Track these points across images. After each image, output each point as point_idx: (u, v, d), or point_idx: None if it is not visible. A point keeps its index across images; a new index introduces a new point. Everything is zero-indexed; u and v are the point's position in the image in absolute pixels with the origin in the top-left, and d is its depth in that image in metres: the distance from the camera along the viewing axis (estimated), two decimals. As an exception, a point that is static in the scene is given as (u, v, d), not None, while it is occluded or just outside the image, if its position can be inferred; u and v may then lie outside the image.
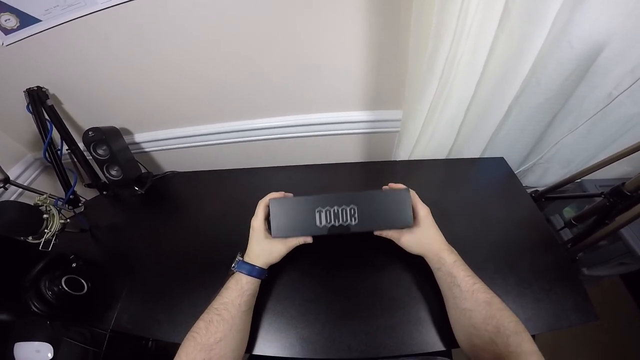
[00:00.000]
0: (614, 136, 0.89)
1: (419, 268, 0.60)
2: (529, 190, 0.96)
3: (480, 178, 0.89)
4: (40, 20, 0.70)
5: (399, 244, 0.58)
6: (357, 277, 0.65)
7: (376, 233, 0.59)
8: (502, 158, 0.90)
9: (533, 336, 0.55)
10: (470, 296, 0.47)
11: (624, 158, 0.76)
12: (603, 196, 0.75)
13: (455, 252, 0.55)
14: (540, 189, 0.98)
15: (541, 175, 1.04)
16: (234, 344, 0.50)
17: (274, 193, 0.61)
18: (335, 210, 0.56)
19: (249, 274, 0.55)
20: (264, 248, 0.58)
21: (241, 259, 0.58)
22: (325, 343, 0.56)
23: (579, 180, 0.96)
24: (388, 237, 0.59)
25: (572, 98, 0.80)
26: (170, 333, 0.62)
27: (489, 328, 0.43)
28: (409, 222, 0.56)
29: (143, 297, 0.69)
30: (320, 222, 0.56)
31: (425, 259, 0.57)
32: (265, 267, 0.57)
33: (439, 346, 0.54)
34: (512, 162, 0.90)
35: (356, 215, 0.56)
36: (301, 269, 0.66)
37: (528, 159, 1.02)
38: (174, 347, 0.58)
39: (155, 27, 0.71)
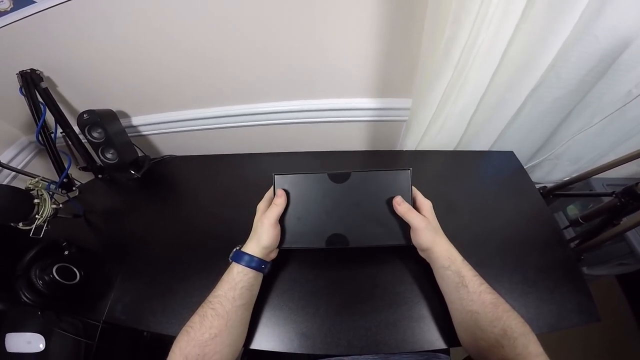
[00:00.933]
0: (628, 135, 0.87)
1: (421, 264, 0.59)
2: (536, 187, 0.95)
3: (488, 172, 0.87)
4: (35, 2, 0.68)
5: (415, 228, 0.53)
6: (358, 271, 0.64)
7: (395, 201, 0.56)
8: (512, 152, 0.88)
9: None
10: (477, 298, 0.45)
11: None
12: (614, 195, 0.74)
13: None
14: (547, 185, 0.96)
15: (549, 171, 1.02)
16: (229, 340, 0.48)
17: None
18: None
19: (242, 264, 0.52)
20: (257, 232, 0.54)
21: (238, 248, 0.55)
22: (325, 338, 0.55)
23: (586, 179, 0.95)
24: (404, 215, 0.54)
25: (590, 94, 0.78)
26: (164, 324, 0.60)
27: (496, 330, 0.42)
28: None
29: (137, 286, 0.68)
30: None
31: (432, 255, 0.52)
32: (260, 255, 0.54)
33: (439, 344, 0.53)
34: (521, 156, 0.88)
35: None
36: (301, 262, 0.65)
37: (538, 154, 1.00)
38: (169, 339, 0.57)
39: (156, 4, 0.68)
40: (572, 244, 0.87)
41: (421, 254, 0.56)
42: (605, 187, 0.98)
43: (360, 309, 0.58)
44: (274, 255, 0.58)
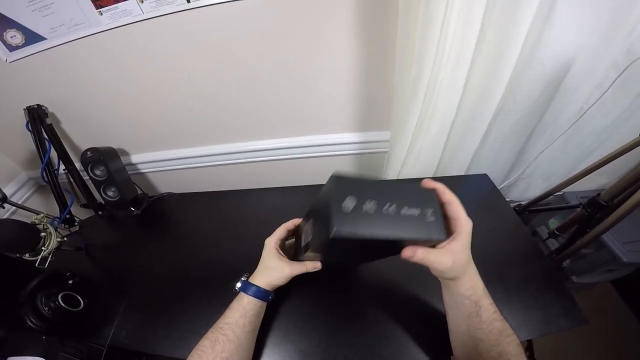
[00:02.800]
0: (590, 148, 0.93)
1: (415, 279, 0.62)
2: (513, 204, 1.00)
3: (465, 194, 0.89)
4: (46, 39, 0.71)
5: (433, 268, 0.43)
6: (352, 288, 0.66)
7: (405, 254, 0.42)
8: (485, 175, 0.94)
9: (530, 341, 0.57)
10: (487, 326, 0.43)
11: (601, 170, 0.80)
12: (581, 207, 0.79)
13: None
14: (524, 202, 1.02)
15: (524, 189, 1.08)
16: None
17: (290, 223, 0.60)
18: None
19: (251, 295, 0.54)
20: (267, 267, 0.56)
21: (245, 278, 0.57)
22: (322, 355, 0.57)
23: (560, 193, 1.00)
24: (422, 261, 0.42)
25: (547, 114, 0.85)
26: (168, 348, 0.62)
27: (493, 354, 0.42)
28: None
29: (141, 314, 0.70)
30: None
31: (452, 284, 0.45)
32: (267, 287, 0.55)
33: (434, 355, 0.55)
34: (495, 177, 0.94)
35: None
36: (298, 282, 0.66)
37: (510, 174, 1.06)
38: None
39: (155, 51, 0.74)
40: (553, 254, 0.91)
41: (437, 275, 0.46)
42: (579, 199, 1.03)
43: (356, 326, 0.60)
44: (279, 283, 0.57)
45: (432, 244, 0.42)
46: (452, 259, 0.41)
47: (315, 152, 0.96)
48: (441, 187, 0.43)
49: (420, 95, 0.68)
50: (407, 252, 0.41)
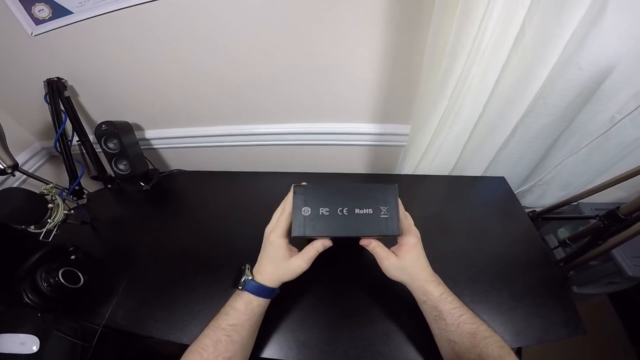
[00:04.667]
0: (613, 160, 0.90)
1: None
2: (526, 210, 0.98)
3: (481, 196, 0.91)
4: (72, 12, 0.71)
5: (381, 266, 0.52)
6: (356, 282, 0.66)
7: (364, 242, 0.52)
8: (503, 178, 0.93)
9: (519, 349, 0.57)
10: (456, 329, 0.46)
11: (620, 183, 0.78)
12: (598, 218, 0.78)
13: (441, 282, 0.51)
14: (537, 209, 1.00)
15: (540, 196, 1.06)
16: (242, 359, 0.50)
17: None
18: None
19: (261, 296, 0.50)
20: (279, 267, 0.51)
21: (251, 277, 0.51)
22: (323, 348, 0.57)
23: (575, 203, 0.99)
24: (373, 251, 0.52)
25: (576, 120, 0.82)
26: (166, 331, 0.61)
27: (472, 357, 0.43)
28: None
29: (140, 293, 0.69)
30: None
31: (409, 288, 0.52)
32: (277, 285, 0.52)
33: (434, 355, 0.54)
34: (512, 182, 0.92)
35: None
36: (300, 275, 0.67)
37: (528, 179, 1.04)
38: (164, 346, 0.58)
39: (177, 29, 0.73)
40: (562, 263, 0.91)
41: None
42: (593, 211, 1.01)
43: (357, 320, 0.60)
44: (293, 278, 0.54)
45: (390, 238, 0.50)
46: (393, 265, 0.50)
47: (331, 140, 0.95)
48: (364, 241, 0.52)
49: (448, 90, 0.66)
50: (363, 242, 0.51)
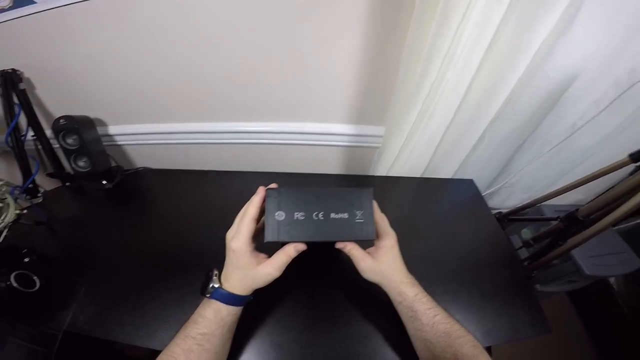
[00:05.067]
0: (574, 164, 0.96)
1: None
2: (493, 212, 1.03)
3: (451, 198, 0.93)
4: (35, 2, 0.68)
5: (357, 267, 0.51)
6: (332, 284, 0.65)
7: (339, 245, 0.50)
8: (471, 180, 0.95)
9: (489, 347, 0.58)
10: (431, 329, 0.47)
11: (579, 187, 0.83)
12: (559, 220, 0.82)
13: (416, 282, 0.51)
14: (503, 210, 1.05)
15: (505, 198, 1.11)
16: None
17: (257, 198, 0.49)
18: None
19: (231, 304, 0.47)
20: (247, 275, 0.47)
21: (218, 285, 0.48)
22: (301, 350, 0.56)
23: (538, 205, 1.04)
24: (349, 253, 0.50)
25: (541, 126, 0.86)
26: (133, 336, 0.58)
27: (448, 356, 0.44)
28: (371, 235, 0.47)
29: (104, 297, 0.65)
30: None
31: (384, 289, 0.52)
32: (248, 293, 0.49)
33: (411, 355, 0.54)
34: (480, 184, 0.95)
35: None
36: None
37: (495, 182, 1.08)
38: (133, 351, 0.55)
39: (150, 19, 0.70)
40: (525, 263, 0.95)
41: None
42: (554, 213, 1.06)
43: (336, 322, 0.59)
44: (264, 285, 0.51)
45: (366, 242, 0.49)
46: (369, 267, 0.50)
47: (305, 140, 0.94)
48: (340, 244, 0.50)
49: (422, 94, 0.67)
50: (339, 245, 0.49)
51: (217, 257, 0.52)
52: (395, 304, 0.52)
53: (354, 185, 0.76)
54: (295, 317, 0.60)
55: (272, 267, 0.47)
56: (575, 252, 1.02)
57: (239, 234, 0.47)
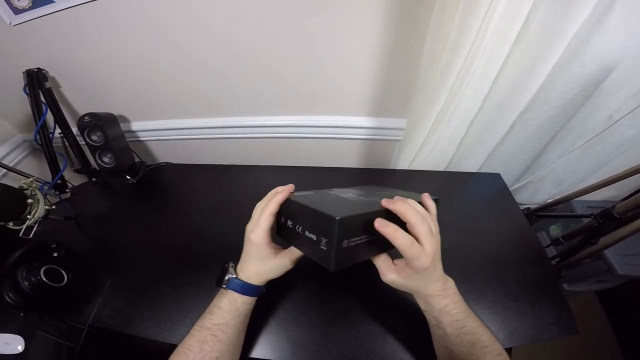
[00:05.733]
0: (608, 158, 0.90)
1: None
2: (521, 207, 0.99)
3: (476, 192, 0.90)
4: (53, 1, 0.70)
5: (382, 279, 0.47)
6: (350, 281, 0.64)
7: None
8: (498, 174, 0.92)
9: (510, 348, 0.56)
10: (455, 339, 0.44)
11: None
12: (592, 217, 0.78)
13: (449, 293, 0.46)
14: (531, 206, 1.00)
15: (533, 193, 1.06)
16: (229, 359, 0.48)
17: (278, 195, 0.48)
18: None
19: (245, 294, 0.48)
20: (263, 266, 0.49)
21: (234, 275, 0.49)
22: (317, 347, 0.56)
23: (568, 201, 0.99)
24: (375, 263, 0.48)
25: (574, 118, 0.81)
26: (154, 330, 0.60)
27: None
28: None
29: (127, 292, 0.67)
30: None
31: (413, 296, 0.48)
32: (262, 283, 0.50)
33: (429, 355, 0.53)
34: (508, 178, 0.92)
35: None
36: (293, 272, 0.65)
37: (524, 176, 1.04)
38: (153, 345, 0.57)
39: (167, 17, 0.71)
40: (553, 262, 0.91)
41: None
42: (586, 209, 1.02)
43: (352, 320, 0.59)
44: (277, 276, 0.52)
45: None
46: (393, 281, 0.46)
47: (324, 133, 0.93)
48: (401, 209, 0.42)
49: (447, 85, 0.65)
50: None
51: (236, 251, 0.53)
52: (422, 309, 0.49)
53: (369, 183, 0.74)
54: (311, 314, 0.60)
55: (287, 258, 0.50)
56: (608, 251, 0.97)
57: (258, 227, 0.47)
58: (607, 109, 0.78)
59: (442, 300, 0.46)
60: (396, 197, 0.44)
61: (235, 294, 0.48)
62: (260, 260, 0.49)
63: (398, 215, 0.42)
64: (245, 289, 0.49)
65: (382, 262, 0.47)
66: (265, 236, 0.47)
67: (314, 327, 0.58)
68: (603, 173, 0.83)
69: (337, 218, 0.38)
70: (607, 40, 0.63)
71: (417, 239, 0.42)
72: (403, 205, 0.42)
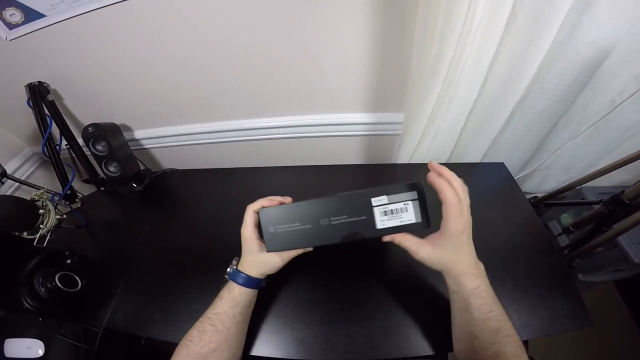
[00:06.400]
0: (615, 143, 0.89)
1: (417, 271, 0.60)
2: (528, 196, 0.97)
3: (480, 183, 0.89)
4: (45, 16, 0.70)
5: (415, 258, 0.48)
6: (353, 278, 0.65)
7: (386, 239, 0.49)
8: (502, 163, 0.90)
9: (526, 341, 0.55)
10: (481, 324, 0.44)
11: (624, 166, 0.76)
12: (602, 204, 0.76)
13: (482, 274, 0.47)
14: (539, 195, 0.98)
15: (540, 181, 1.04)
16: (228, 353, 0.50)
17: (264, 200, 0.53)
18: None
19: (243, 284, 0.51)
20: (255, 259, 0.52)
21: (235, 267, 0.54)
22: (321, 345, 0.56)
23: (577, 187, 0.97)
24: (400, 245, 0.48)
25: (575, 104, 0.80)
26: (165, 332, 0.62)
27: (489, 353, 0.42)
28: (419, 222, 0.46)
29: (138, 295, 0.69)
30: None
31: (444, 276, 0.48)
32: (260, 277, 0.53)
33: (434, 349, 0.54)
34: (512, 167, 0.90)
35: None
36: (297, 270, 0.64)
37: (528, 164, 1.02)
38: (166, 346, 0.58)
39: (160, 24, 0.71)
40: (565, 251, 0.89)
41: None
42: (596, 195, 0.99)
43: (356, 316, 0.59)
44: (272, 272, 0.54)
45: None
46: (429, 255, 0.46)
47: (324, 132, 0.93)
48: (446, 174, 0.46)
49: (440, 76, 0.64)
50: (386, 238, 0.48)
51: (240, 253, 0.56)
52: (450, 292, 0.48)
53: (372, 178, 0.74)
54: (315, 311, 0.61)
55: (279, 256, 0.52)
56: (622, 238, 0.94)
57: (245, 223, 0.54)
58: (609, 94, 0.77)
59: (475, 281, 0.46)
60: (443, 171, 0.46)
61: (233, 284, 0.52)
62: (252, 253, 0.53)
63: (444, 177, 0.45)
64: (242, 278, 0.52)
65: (411, 241, 0.48)
66: (251, 231, 0.53)
67: (318, 324, 0.59)
68: (611, 157, 0.81)
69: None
70: (598, 24, 0.63)
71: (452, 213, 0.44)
72: (448, 171, 0.46)
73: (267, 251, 0.51)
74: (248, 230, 0.53)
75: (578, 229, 0.90)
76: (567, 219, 1.13)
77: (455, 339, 0.50)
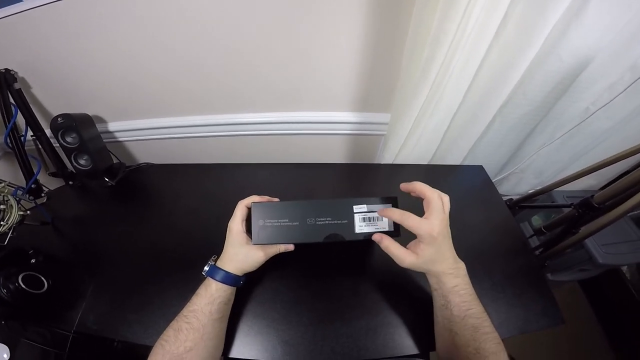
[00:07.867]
0: (585, 150, 0.93)
1: (401, 271, 0.60)
2: (503, 199, 1.01)
3: (459, 185, 0.91)
4: (22, 1, 0.66)
5: (401, 265, 0.50)
6: (339, 279, 0.64)
7: (375, 237, 0.52)
8: (481, 166, 0.93)
9: (503, 340, 0.58)
10: (460, 321, 0.46)
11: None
12: (573, 207, 0.80)
13: (461, 273, 0.49)
14: (513, 197, 1.02)
15: (515, 184, 1.08)
16: (205, 353, 0.48)
17: (256, 196, 0.56)
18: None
19: (220, 281, 0.51)
20: (238, 253, 0.53)
21: (213, 263, 0.54)
22: (308, 346, 0.56)
23: (548, 191, 1.02)
24: (386, 251, 0.50)
25: (553, 111, 0.83)
26: (140, 334, 0.59)
27: (470, 349, 0.44)
28: (391, 231, 0.52)
29: (111, 296, 0.66)
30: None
31: (427, 275, 0.51)
32: (239, 273, 0.53)
33: (417, 349, 0.55)
34: (490, 170, 0.93)
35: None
36: (282, 270, 0.65)
37: (505, 168, 1.06)
38: (141, 349, 0.56)
39: (141, 11, 0.68)
40: (537, 252, 0.93)
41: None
42: (566, 199, 1.05)
43: (342, 316, 0.59)
44: (252, 269, 0.55)
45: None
46: (411, 260, 0.48)
47: (309, 130, 0.92)
48: (418, 187, 0.51)
49: (429, 79, 0.65)
50: (376, 237, 0.51)
51: (221, 251, 0.55)
52: (432, 290, 0.51)
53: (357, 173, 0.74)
54: (301, 313, 0.60)
55: (262, 252, 0.53)
56: (588, 240, 1.00)
57: (234, 216, 0.54)
58: (585, 101, 0.80)
59: (453, 280, 0.48)
60: (414, 182, 0.52)
61: (210, 280, 0.52)
62: (235, 247, 0.53)
63: (416, 192, 0.51)
64: (220, 275, 0.52)
65: (398, 250, 0.49)
66: (240, 224, 0.54)
67: (305, 325, 0.58)
68: (581, 163, 0.85)
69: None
70: (583, 35, 0.65)
71: (428, 214, 0.48)
72: (420, 184, 0.51)
73: (253, 243, 0.52)
74: (236, 223, 0.54)
75: (550, 230, 0.95)
76: (537, 220, 1.18)
77: (437, 336, 0.51)
